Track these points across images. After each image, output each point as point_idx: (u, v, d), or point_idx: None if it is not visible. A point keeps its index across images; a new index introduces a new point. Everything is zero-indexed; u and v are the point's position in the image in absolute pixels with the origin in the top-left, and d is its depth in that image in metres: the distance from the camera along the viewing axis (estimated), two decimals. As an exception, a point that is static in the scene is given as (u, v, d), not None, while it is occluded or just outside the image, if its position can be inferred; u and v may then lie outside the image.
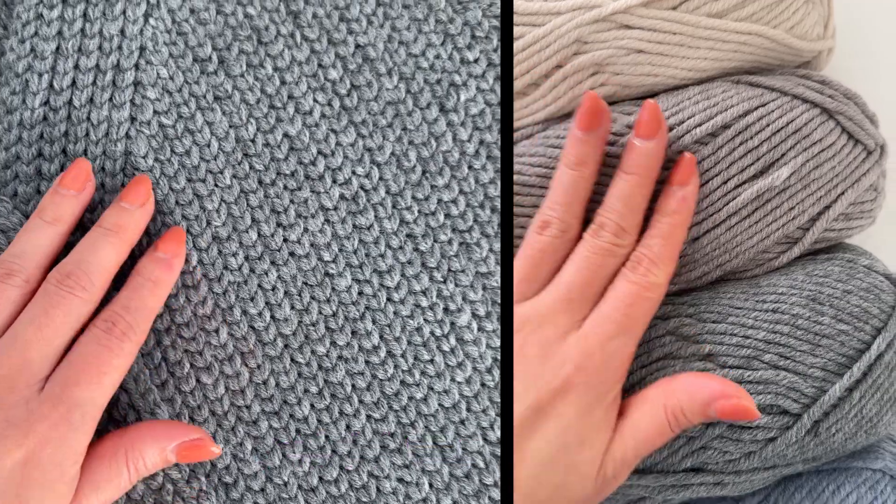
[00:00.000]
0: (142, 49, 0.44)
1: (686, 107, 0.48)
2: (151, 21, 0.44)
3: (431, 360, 0.45)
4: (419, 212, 0.45)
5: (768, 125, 0.48)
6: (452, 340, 0.45)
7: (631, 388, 0.47)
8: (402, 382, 0.45)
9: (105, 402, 0.42)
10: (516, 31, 0.48)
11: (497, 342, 0.45)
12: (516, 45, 0.48)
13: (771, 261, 0.50)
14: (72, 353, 0.42)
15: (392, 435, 0.45)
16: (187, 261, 0.44)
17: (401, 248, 0.45)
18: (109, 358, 0.42)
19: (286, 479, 0.44)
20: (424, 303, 0.45)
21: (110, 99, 0.44)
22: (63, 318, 0.42)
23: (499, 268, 0.45)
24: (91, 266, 0.42)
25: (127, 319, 0.42)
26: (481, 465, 0.45)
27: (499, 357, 0.45)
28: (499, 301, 0.45)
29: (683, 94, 0.49)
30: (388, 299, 0.45)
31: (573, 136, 0.46)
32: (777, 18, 0.50)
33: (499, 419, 0.45)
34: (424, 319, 0.45)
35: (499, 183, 0.46)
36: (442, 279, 0.45)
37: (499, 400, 0.45)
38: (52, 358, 0.42)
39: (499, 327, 0.45)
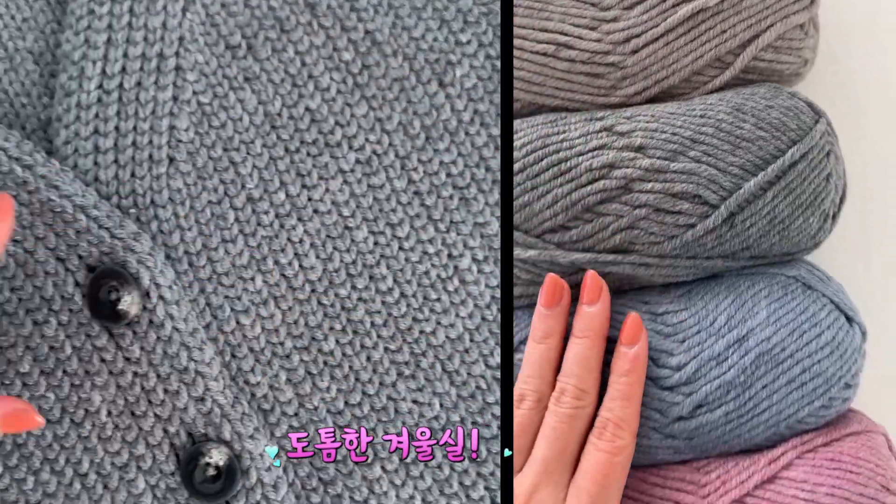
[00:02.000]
0: (181, 39, 0.52)
1: (631, -70, 0.55)
2: (188, 15, 0.52)
3: (438, 299, 0.53)
4: (424, 172, 0.53)
5: (704, -49, 0.55)
6: (456, 281, 0.53)
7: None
8: (414, 318, 0.53)
9: None
10: None
11: (495, 282, 0.54)
12: None
13: (705, 84, 0.56)
14: None
15: (406, 363, 0.53)
16: (225, 218, 0.52)
17: (409, 203, 0.53)
18: None
19: (316, 404, 0.52)
20: (431, 250, 0.53)
21: (155, 82, 0.51)
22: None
23: (493, 219, 0.54)
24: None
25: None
26: (483, 386, 0.53)
27: (497, 296, 0.53)
28: (495, 247, 0.54)
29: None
30: (400, 248, 0.53)
31: (538, 313, 0.53)
32: None
33: (497, 347, 0.53)
34: (431, 264, 0.53)
35: (494, 152, 0.54)
36: (445, 229, 0.53)
37: (497, 331, 0.53)
38: None
39: (496, 269, 0.54)
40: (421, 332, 0.53)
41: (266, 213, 0.52)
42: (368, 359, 0.52)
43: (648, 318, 0.55)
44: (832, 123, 0.57)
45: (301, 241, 0.52)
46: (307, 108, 0.52)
